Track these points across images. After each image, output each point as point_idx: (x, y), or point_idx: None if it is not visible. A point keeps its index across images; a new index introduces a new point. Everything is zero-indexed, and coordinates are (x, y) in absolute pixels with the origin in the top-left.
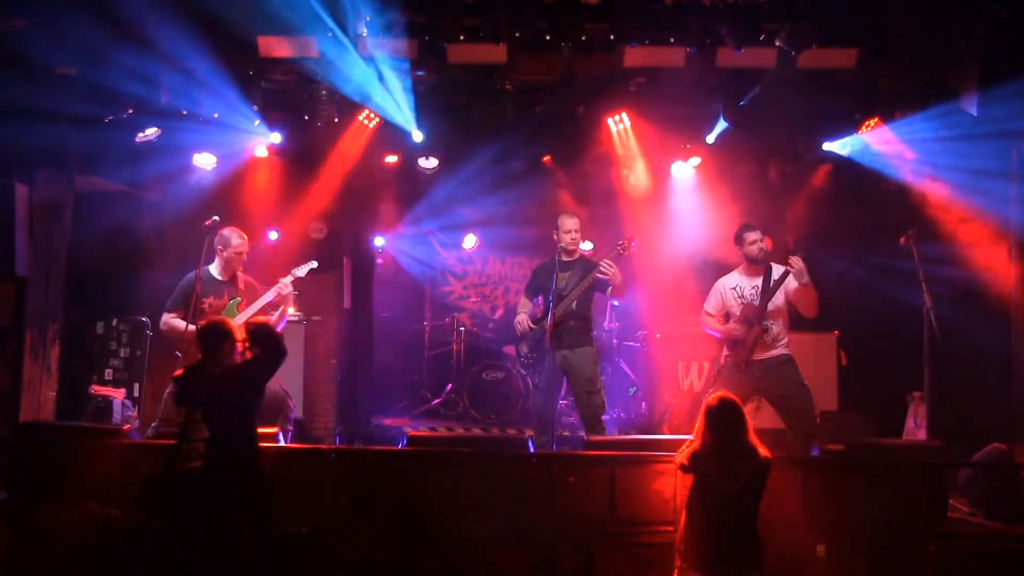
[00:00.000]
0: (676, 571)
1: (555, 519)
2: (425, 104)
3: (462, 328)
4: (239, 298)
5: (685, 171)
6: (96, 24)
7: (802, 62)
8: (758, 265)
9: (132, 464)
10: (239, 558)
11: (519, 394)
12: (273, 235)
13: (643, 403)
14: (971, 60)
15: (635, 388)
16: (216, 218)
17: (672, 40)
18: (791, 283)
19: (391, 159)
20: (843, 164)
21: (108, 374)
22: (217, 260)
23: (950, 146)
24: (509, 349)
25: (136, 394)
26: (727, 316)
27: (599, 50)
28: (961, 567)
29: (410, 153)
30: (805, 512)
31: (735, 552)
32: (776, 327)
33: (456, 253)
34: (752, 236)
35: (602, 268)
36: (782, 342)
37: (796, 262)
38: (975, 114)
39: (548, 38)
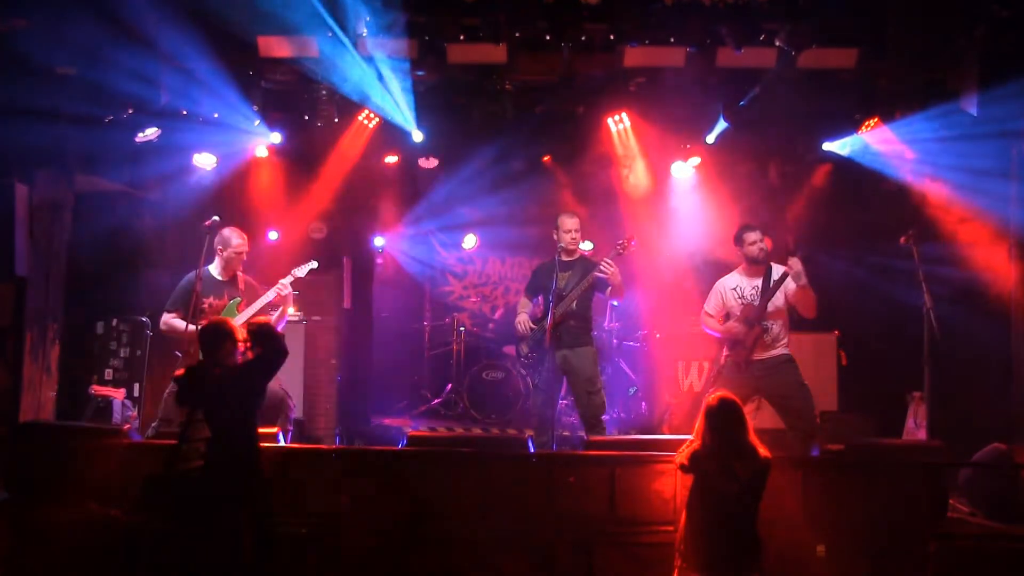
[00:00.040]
0: (676, 571)
1: (555, 519)
2: (425, 104)
3: (462, 328)
4: (239, 298)
5: (685, 171)
6: (96, 24)
7: (802, 62)
8: (758, 265)
9: (132, 464)
10: (239, 558)
11: (519, 394)
12: (273, 235)
13: (643, 403)
14: (971, 60)
15: (635, 388)
16: (216, 218)
17: (672, 40)
18: (790, 284)
19: (391, 159)
20: (843, 164)
21: (108, 374)
22: (217, 260)
23: (950, 146)
24: (509, 349)
25: (136, 394)
26: (727, 316)
27: (599, 50)
28: (961, 567)
29: (410, 153)
30: (805, 512)
31: (735, 552)
32: (776, 327)
33: (456, 253)
34: (752, 237)
35: (602, 268)
36: (782, 342)
37: (794, 265)
38: (975, 114)
39: (548, 38)
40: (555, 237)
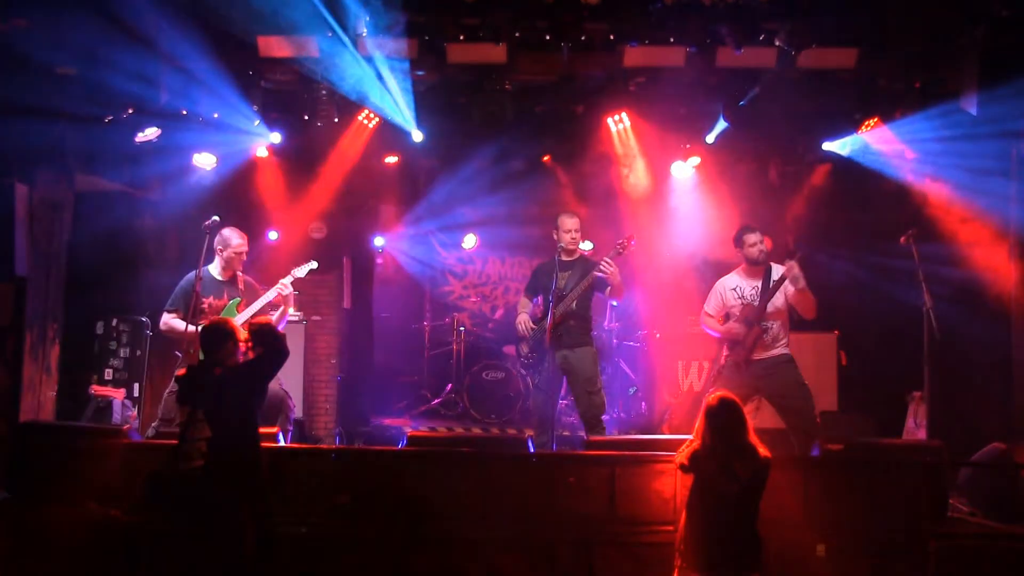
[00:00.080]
0: (676, 571)
1: (555, 519)
2: (425, 104)
3: (462, 328)
4: (239, 298)
5: (685, 171)
6: (96, 24)
7: (802, 62)
8: (758, 266)
9: (132, 464)
10: (239, 558)
11: (519, 394)
12: (273, 235)
13: (643, 403)
14: (971, 60)
15: (635, 388)
16: (216, 218)
17: (672, 40)
18: (790, 286)
19: (391, 159)
20: (843, 164)
21: (108, 374)
22: (217, 260)
23: (950, 146)
24: (509, 349)
25: (136, 394)
26: (727, 316)
27: (599, 50)
28: (961, 567)
29: (410, 153)
30: (805, 512)
31: (735, 552)
32: (776, 327)
33: (456, 253)
34: (752, 238)
35: (601, 267)
36: (782, 342)
37: (791, 269)
38: (975, 114)
39: (548, 38)
40: (555, 237)
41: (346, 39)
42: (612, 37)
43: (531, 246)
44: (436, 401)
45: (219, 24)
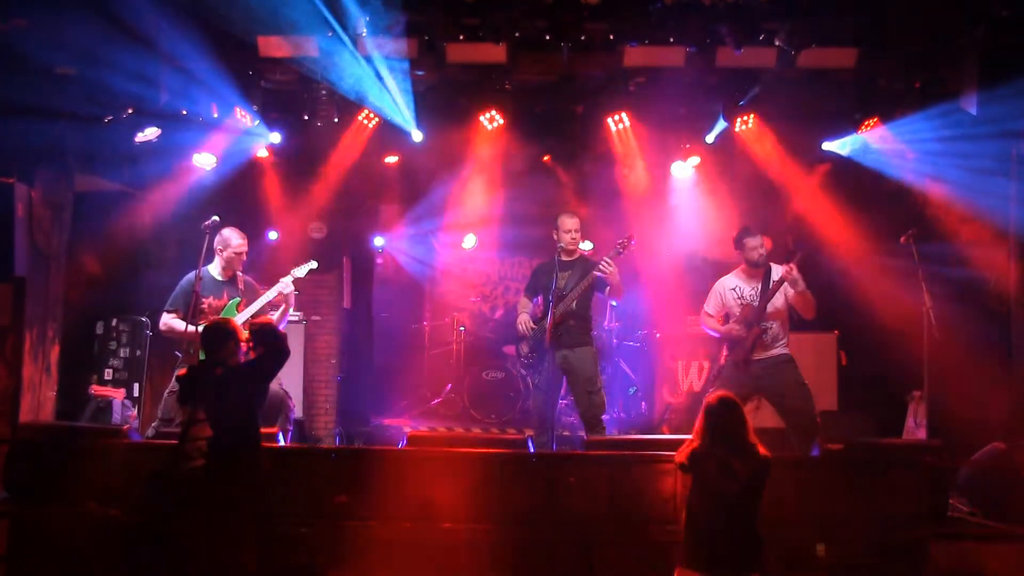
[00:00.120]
0: (676, 570)
1: (555, 519)
2: (425, 104)
3: (462, 328)
4: (239, 298)
5: (685, 171)
6: (96, 24)
7: (802, 62)
8: (758, 268)
9: (132, 464)
10: (239, 557)
11: (519, 394)
12: (273, 235)
13: (643, 403)
14: (971, 60)
15: (635, 388)
16: (216, 218)
17: (672, 40)
18: (789, 288)
19: (391, 159)
20: (843, 164)
21: (108, 374)
22: (217, 260)
23: (950, 146)
24: (509, 349)
25: (136, 394)
26: (727, 317)
27: (599, 50)
28: (961, 567)
29: (410, 153)
30: (805, 512)
31: (735, 552)
32: (775, 327)
33: (456, 253)
34: (753, 242)
35: (601, 267)
36: (781, 342)
37: (791, 271)
38: (975, 114)
39: (548, 38)
40: (555, 237)
41: (346, 39)
42: (612, 37)
43: (531, 246)
44: (436, 401)
45: (219, 24)
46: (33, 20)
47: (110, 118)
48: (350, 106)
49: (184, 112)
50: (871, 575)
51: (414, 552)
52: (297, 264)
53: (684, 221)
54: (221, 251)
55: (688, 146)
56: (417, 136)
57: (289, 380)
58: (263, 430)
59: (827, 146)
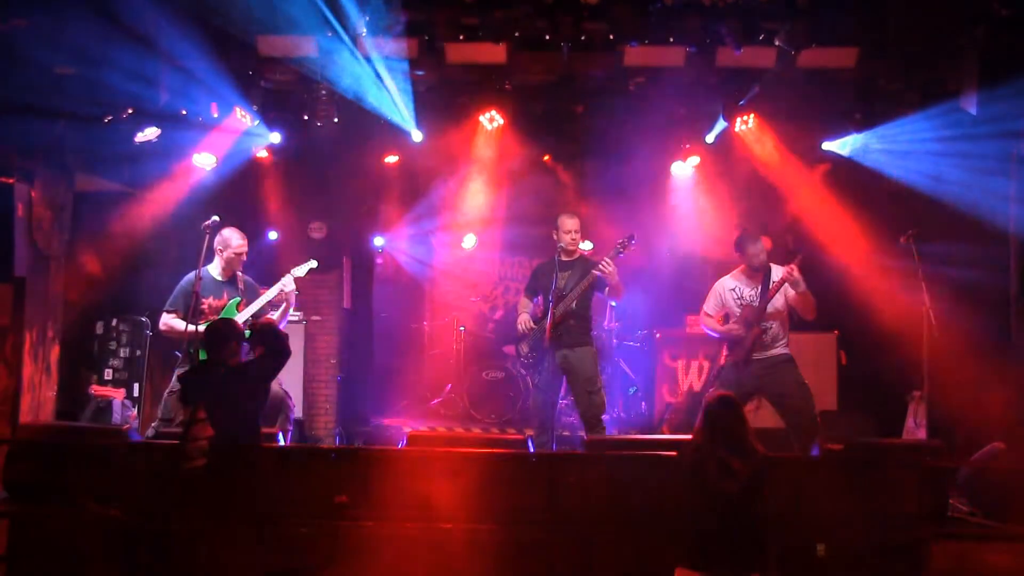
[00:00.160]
0: (676, 571)
1: (555, 519)
2: (425, 104)
3: (462, 328)
4: (239, 298)
5: (685, 171)
6: (96, 24)
7: (802, 61)
8: (758, 273)
9: (132, 464)
10: (239, 557)
11: (519, 394)
12: (273, 235)
13: (643, 403)
14: (971, 60)
15: (635, 388)
16: (216, 218)
17: (672, 40)
18: (789, 289)
19: (391, 159)
20: (843, 164)
21: (108, 374)
22: (217, 260)
23: (950, 146)
24: (509, 349)
25: (136, 394)
26: (726, 317)
27: (599, 50)
28: (961, 567)
29: (410, 153)
30: (805, 512)
31: (735, 552)
32: (775, 327)
33: (456, 253)
34: (754, 249)
35: (600, 266)
36: (781, 342)
37: (792, 272)
38: (975, 114)
39: (548, 38)
40: (555, 237)
41: (346, 39)
42: (612, 37)
43: (531, 246)
44: (436, 401)
45: (219, 24)
46: (33, 20)
47: (110, 118)
48: (350, 106)
49: (184, 112)
50: (871, 575)
51: (414, 552)
52: (297, 264)
53: (684, 221)
54: (221, 251)
55: (688, 146)
56: (417, 136)
57: (289, 380)
58: (263, 430)
59: (827, 146)
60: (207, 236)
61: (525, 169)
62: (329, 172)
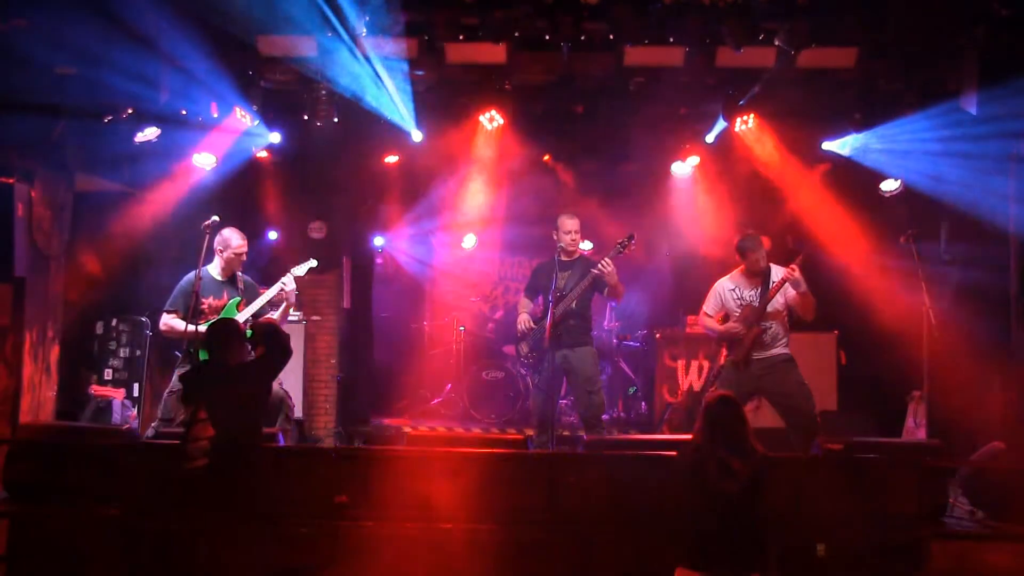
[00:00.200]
0: (677, 571)
1: (555, 519)
2: (425, 104)
3: (462, 328)
4: (239, 297)
5: (685, 171)
6: (96, 24)
7: (802, 61)
8: (758, 277)
9: (132, 464)
10: (240, 557)
11: (519, 394)
12: (273, 235)
13: (643, 403)
14: (971, 59)
15: (635, 388)
16: (216, 218)
17: (672, 40)
18: (789, 289)
19: (391, 159)
20: (843, 164)
21: (108, 374)
22: (216, 260)
23: (950, 146)
24: (509, 349)
25: (136, 394)
26: (726, 317)
27: (599, 50)
28: (961, 567)
29: (410, 153)
30: (805, 511)
31: (735, 552)
32: (775, 327)
33: (456, 253)
34: (755, 255)
35: (599, 266)
36: (781, 341)
37: (793, 272)
38: (975, 114)
39: (548, 38)
40: (555, 237)
41: (346, 38)
42: (612, 37)
43: (531, 246)
44: (436, 401)
45: (219, 24)
46: (33, 20)
47: (110, 118)
48: (350, 106)
49: (184, 112)
50: (871, 575)
51: (414, 552)
52: (297, 264)
53: (684, 221)
54: (221, 251)
55: (688, 146)
56: (417, 136)
57: (289, 380)
58: (264, 430)
59: (827, 146)
60: (207, 236)
61: (525, 169)
62: (329, 172)
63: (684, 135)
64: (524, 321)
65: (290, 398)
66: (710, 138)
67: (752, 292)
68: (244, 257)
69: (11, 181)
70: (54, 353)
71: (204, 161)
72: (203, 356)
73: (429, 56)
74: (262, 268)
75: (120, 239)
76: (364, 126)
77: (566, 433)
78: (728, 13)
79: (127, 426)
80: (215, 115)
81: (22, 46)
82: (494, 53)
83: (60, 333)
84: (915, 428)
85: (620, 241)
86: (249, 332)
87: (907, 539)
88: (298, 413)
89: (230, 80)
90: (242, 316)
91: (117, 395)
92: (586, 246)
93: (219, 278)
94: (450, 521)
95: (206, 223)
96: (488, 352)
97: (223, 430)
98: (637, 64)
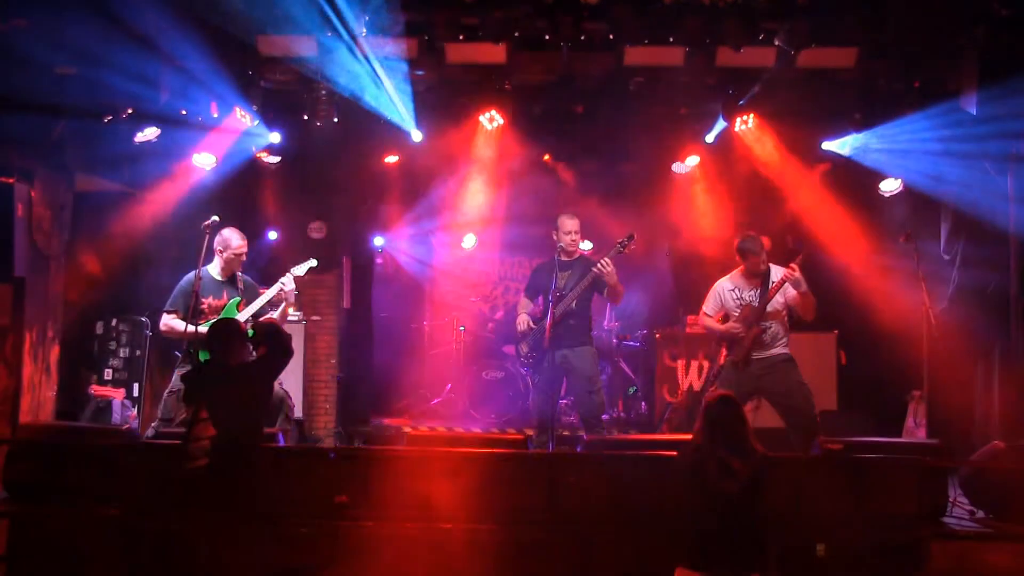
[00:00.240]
0: (677, 571)
1: (555, 519)
2: (425, 104)
3: (462, 328)
4: (239, 297)
5: (685, 171)
6: (96, 24)
7: (802, 61)
8: (757, 277)
9: (132, 464)
10: (240, 557)
11: (519, 394)
12: (273, 235)
13: (643, 403)
14: (971, 60)
15: (635, 388)
16: (216, 218)
17: (672, 40)
18: (790, 290)
19: (391, 159)
20: (843, 164)
21: (108, 374)
22: (216, 260)
23: (950, 146)
24: (509, 349)
25: (136, 394)
26: (726, 318)
27: (599, 50)
28: (961, 567)
29: (410, 153)
30: (805, 511)
31: (735, 552)
32: (775, 327)
33: (456, 253)
34: (756, 258)
35: (599, 265)
36: (781, 341)
37: (793, 272)
38: (975, 114)
39: (548, 38)
40: (555, 238)
41: (346, 38)
42: (612, 37)
43: (531, 246)
44: (436, 401)
45: (219, 24)
46: (33, 20)
47: (110, 118)
48: (350, 106)
49: (184, 112)
50: (871, 575)
51: (414, 552)
52: (297, 263)
53: (684, 221)
54: (221, 252)
55: (688, 146)
56: (417, 136)
57: (289, 380)
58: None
59: (827, 146)
60: (207, 236)
61: (525, 169)
62: (329, 172)
63: (684, 135)
64: (524, 321)
65: (290, 398)
66: (710, 138)
67: (752, 292)
68: (244, 257)
69: (11, 181)
70: (54, 353)
71: (204, 161)
72: (203, 356)
73: (429, 56)
74: (262, 268)
75: (120, 239)
76: (364, 126)
77: (566, 433)
78: (728, 13)
79: (127, 426)
80: (215, 115)
81: (22, 46)
82: (494, 53)
83: (60, 333)
84: (915, 428)
85: (620, 241)
86: (251, 332)
87: (907, 539)
88: (298, 413)
89: (230, 80)
90: (242, 316)
91: (117, 395)
92: (586, 246)
93: (219, 278)
94: (450, 521)
95: (206, 223)
96: (488, 352)
97: (224, 430)
98: (637, 64)
